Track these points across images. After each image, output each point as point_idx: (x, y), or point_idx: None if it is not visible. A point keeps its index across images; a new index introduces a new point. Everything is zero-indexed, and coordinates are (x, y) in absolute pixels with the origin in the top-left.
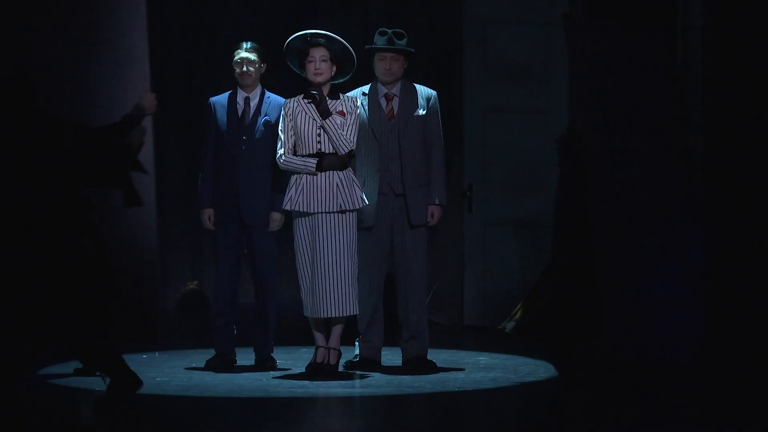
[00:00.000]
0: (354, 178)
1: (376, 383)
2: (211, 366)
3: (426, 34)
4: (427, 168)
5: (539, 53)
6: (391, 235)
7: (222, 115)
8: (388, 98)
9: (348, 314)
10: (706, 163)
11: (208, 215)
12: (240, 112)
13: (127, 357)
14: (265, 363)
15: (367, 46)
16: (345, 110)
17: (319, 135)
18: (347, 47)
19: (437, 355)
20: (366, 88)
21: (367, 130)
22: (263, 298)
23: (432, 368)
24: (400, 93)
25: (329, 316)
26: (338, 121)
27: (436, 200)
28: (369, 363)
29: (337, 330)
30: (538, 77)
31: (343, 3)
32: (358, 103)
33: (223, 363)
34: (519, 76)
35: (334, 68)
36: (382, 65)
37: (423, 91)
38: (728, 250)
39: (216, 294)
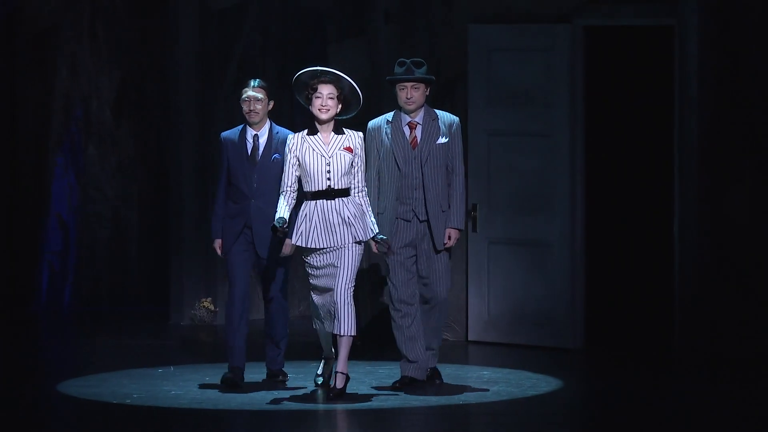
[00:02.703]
0: (364, 209)
1: (381, 397)
2: (226, 381)
3: (432, 61)
4: (449, 194)
5: (541, 79)
6: (416, 259)
7: (233, 152)
8: (411, 126)
9: (354, 334)
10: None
11: (219, 245)
12: (249, 150)
13: (142, 372)
14: (275, 377)
15: (387, 78)
16: (351, 146)
17: (328, 171)
18: (355, 88)
19: (442, 369)
20: (390, 116)
21: (391, 158)
22: (273, 315)
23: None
24: (423, 121)
25: (341, 333)
26: (347, 158)
27: (454, 223)
28: (412, 381)
29: (344, 353)
30: (540, 102)
31: (351, 31)
32: (362, 141)
33: (236, 378)
34: (521, 100)
35: (340, 106)
36: (402, 94)
37: (445, 117)
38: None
39: (229, 311)
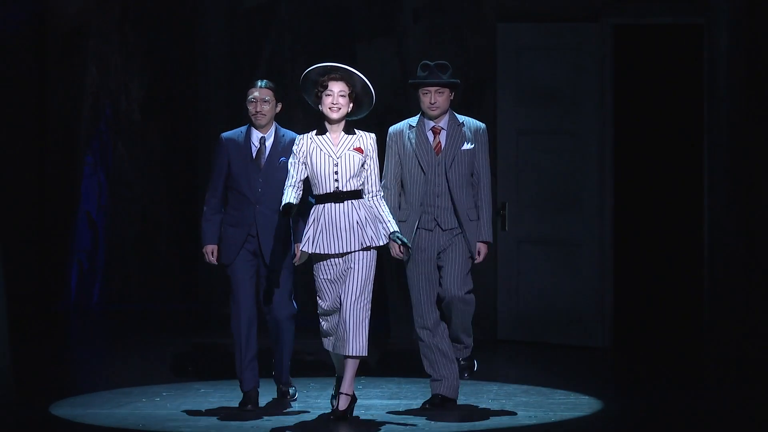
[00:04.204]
0: (378, 212)
1: (391, 426)
2: (243, 407)
3: (461, 60)
4: (475, 202)
5: (570, 77)
6: (438, 268)
7: (235, 155)
8: (435, 132)
9: (363, 355)
10: (734, 157)
11: (211, 251)
12: (255, 153)
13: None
14: (284, 393)
15: (410, 81)
16: (362, 146)
17: (336, 173)
18: (368, 85)
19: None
20: (414, 121)
21: (415, 164)
22: (279, 332)
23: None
24: (448, 126)
25: (348, 354)
26: (356, 159)
27: (485, 236)
28: (445, 401)
29: (350, 373)
30: (568, 100)
31: (379, 30)
32: (375, 142)
33: (251, 403)
34: (550, 99)
35: (351, 105)
36: (426, 99)
37: (471, 123)
38: None
39: (235, 329)
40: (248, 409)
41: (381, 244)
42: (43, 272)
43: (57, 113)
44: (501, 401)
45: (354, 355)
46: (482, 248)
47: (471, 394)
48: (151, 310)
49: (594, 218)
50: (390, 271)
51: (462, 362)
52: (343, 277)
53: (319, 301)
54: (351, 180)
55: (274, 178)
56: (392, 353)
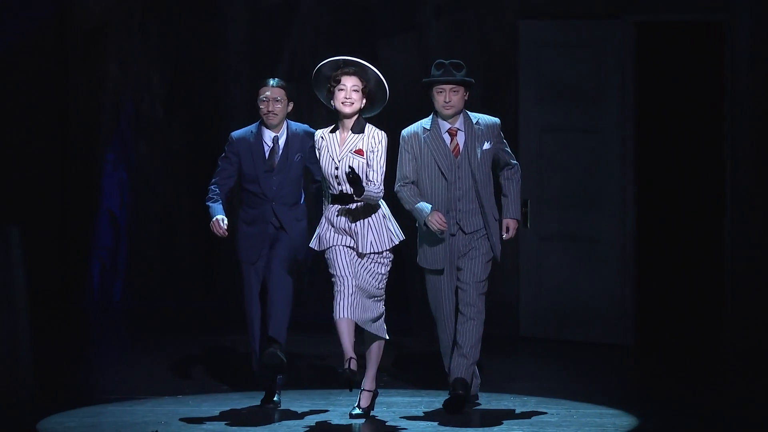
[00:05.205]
0: (388, 215)
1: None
2: (268, 401)
3: (483, 57)
4: (506, 185)
5: (592, 74)
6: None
7: (247, 155)
8: (452, 134)
9: (384, 337)
10: (756, 154)
11: (221, 220)
12: (268, 153)
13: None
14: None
15: (424, 80)
16: (363, 148)
17: (336, 177)
18: (382, 80)
19: (494, 365)
20: (427, 123)
21: (434, 168)
22: (274, 301)
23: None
24: (464, 127)
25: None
26: (356, 162)
27: (513, 213)
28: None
29: (372, 368)
30: (590, 98)
31: (401, 27)
32: (384, 140)
33: (270, 394)
34: (572, 96)
35: (365, 101)
36: (440, 98)
37: (485, 120)
38: None
39: (253, 331)
40: (270, 407)
41: (386, 248)
42: (65, 270)
43: (78, 111)
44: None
45: (377, 333)
46: (512, 224)
47: (487, 402)
48: (172, 308)
49: (616, 215)
50: (411, 267)
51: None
52: (353, 257)
53: (334, 273)
54: None
55: (288, 177)
56: (412, 354)
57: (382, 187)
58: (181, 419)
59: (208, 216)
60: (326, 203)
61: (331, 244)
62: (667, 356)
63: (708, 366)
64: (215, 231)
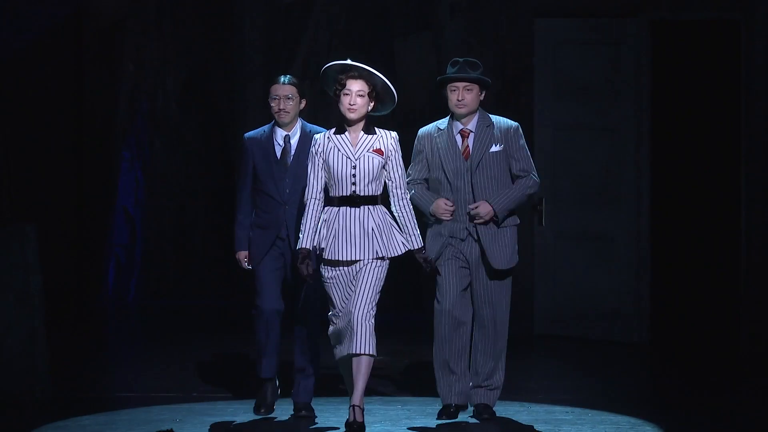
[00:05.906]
0: (404, 221)
1: None
2: (257, 409)
3: (498, 55)
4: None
5: (607, 73)
6: (470, 280)
7: (260, 155)
8: (464, 135)
9: (371, 353)
10: None
11: (244, 257)
12: (280, 153)
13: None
14: (299, 412)
15: (438, 78)
16: (382, 148)
17: (353, 176)
18: (388, 85)
19: (508, 364)
20: (443, 123)
21: (441, 170)
22: (296, 339)
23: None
24: (477, 128)
25: (359, 352)
26: (375, 161)
27: (496, 204)
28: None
29: (361, 384)
30: (606, 96)
31: (417, 24)
32: (397, 142)
33: (266, 401)
34: (587, 94)
35: (372, 103)
36: (454, 96)
37: (502, 123)
38: None
39: (258, 325)
40: (261, 413)
41: (392, 255)
42: (81, 267)
43: (94, 109)
44: (542, 424)
45: (363, 352)
46: (483, 209)
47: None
48: (187, 305)
49: (631, 213)
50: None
51: (486, 416)
52: (351, 281)
53: (329, 305)
54: (369, 185)
55: (301, 178)
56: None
57: (405, 189)
58: (196, 417)
59: (232, 236)
60: (319, 206)
61: (327, 277)
62: (682, 355)
63: (723, 365)
64: (240, 264)
